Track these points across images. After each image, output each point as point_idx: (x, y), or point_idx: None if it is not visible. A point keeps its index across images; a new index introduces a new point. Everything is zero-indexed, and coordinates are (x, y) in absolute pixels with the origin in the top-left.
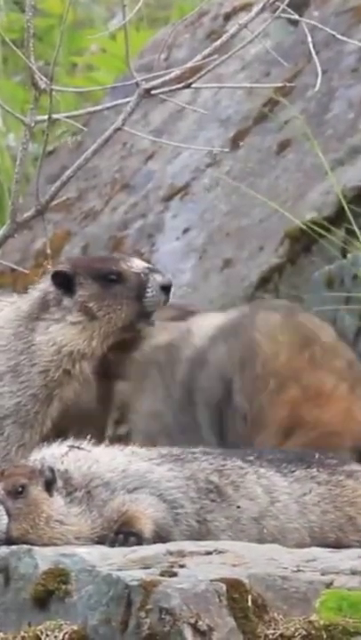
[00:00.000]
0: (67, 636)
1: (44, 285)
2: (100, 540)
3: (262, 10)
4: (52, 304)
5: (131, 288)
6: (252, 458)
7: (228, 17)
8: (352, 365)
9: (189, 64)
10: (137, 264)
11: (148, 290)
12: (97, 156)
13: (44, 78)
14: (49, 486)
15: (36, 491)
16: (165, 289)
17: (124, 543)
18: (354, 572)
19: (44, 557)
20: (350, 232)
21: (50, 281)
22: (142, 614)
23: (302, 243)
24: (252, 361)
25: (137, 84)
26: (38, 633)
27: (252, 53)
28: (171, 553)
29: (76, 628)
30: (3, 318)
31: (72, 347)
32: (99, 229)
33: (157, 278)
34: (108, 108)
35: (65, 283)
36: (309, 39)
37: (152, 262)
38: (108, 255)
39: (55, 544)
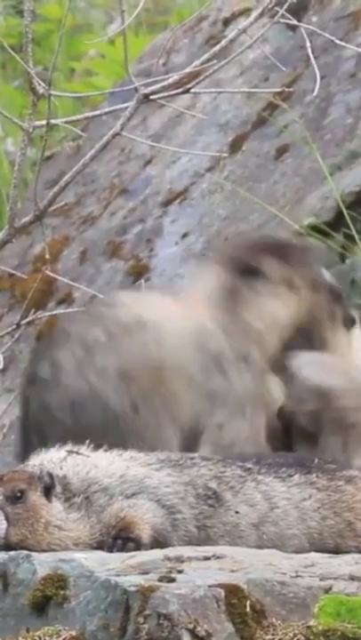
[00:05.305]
0: None
1: (220, 281)
2: (99, 546)
3: (261, 15)
4: (245, 289)
5: (303, 258)
6: (250, 465)
7: (227, 22)
8: None
9: (188, 69)
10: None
11: (315, 257)
12: (95, 162)
13: (43, 83)
14: (48, 492)
15: (35, 496)
16: None
17: (123, 549)
18: (352, 578)
19: (42, 563)
20: (349, 237)
21: (232, 274)
22: (140, 620)
23: None
24: None
25: (136, 89)
26: (37, 639)
27: (250, 58)
28: (169, 558)
29: (74, 633)
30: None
31: (284, 319)
32: (97, 234)
33: (313, 246)
34: (106, 113)
35: (249, 270)
36: (308, 44)
37: (151, 267)
38: (259, 236)
39: (54, 550)
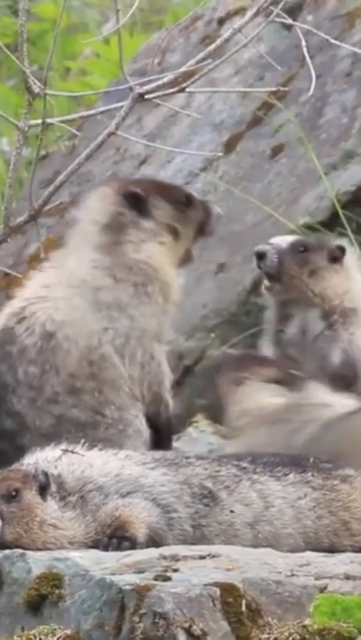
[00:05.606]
0: None
1: (108, 210)
2: (94, 545)
3: (256, 14)
4: (129, 226)
5: (199, 213)
6: (246, 464)
7: (221, 21)
8: None
9: (183, 68)
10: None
11: (212, 218)
12: (90, 161)
13: (38, 83)
14: (43, 490)
15: (30, 495)
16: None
17: (118, 547)
18: (348, 577)
19: (37, 562)
20: (344, 236)
21: (120, 203)
22: (136, 619)
23: None
24: None
25: (131, 89)
26: (32, 637)
27: (245, 58)
28: (164, 557)
29: (69, 632)
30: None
31: (167, 265)
32: None
33: (216, 209)
34: (101, 113)
35: (137, 204)
36: (303, 43)
37: None
38: (165, 181)
39: (49, 548)
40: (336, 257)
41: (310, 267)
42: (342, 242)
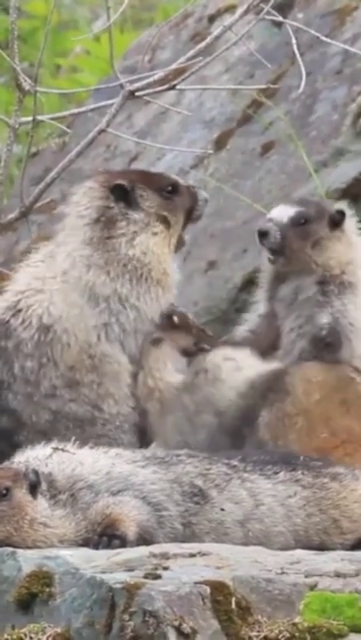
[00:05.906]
0: (50, 638)
1: (95, 204)
2: (84, 543)
3: (247, 12)
4: (118, 219)
5: (186, 200)
6: (236, 462)
7: (212, 19)
8: None
9: (173, 66)
10: (180, 179)
11: (200, 202)
12: (81, 158)
13: (29, 80)
14: (33, 489)
15: (21, 493)
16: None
17: (108, 545)
18: (338, 575)
19: (27, 560)
20: None
21: (106, 197)
22: (126, 617)
23: None
24: (283, 398)
25: (121, 86)
26: (22, 636)
27: (236, 55)
28: (154, 555)
29: (59, 630)
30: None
31: (163, 256)
32: None
33: (202, 193)
34: (92, 110)
35: (124, 197)
36: (294, 41)
37: None
38: (150, 170)
39: (39, 547)
40: (337, 221)
41: (313, 238)
42: (341, 205)
